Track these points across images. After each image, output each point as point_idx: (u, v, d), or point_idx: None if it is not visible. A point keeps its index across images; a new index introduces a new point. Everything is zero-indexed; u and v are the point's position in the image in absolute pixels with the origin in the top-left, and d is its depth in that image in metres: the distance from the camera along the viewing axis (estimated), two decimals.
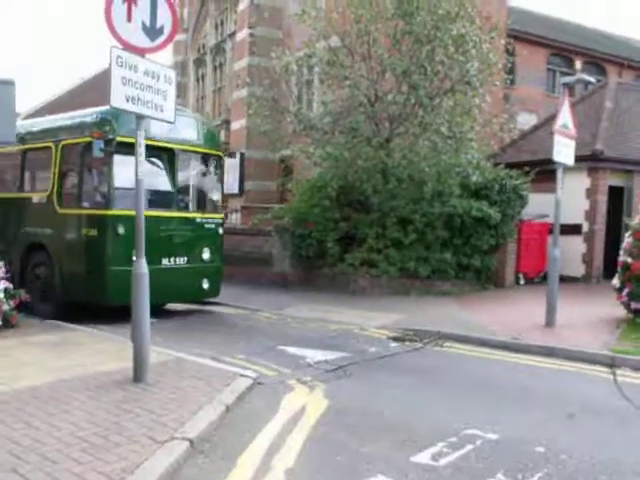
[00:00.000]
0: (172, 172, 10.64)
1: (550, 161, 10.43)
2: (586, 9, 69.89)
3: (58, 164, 10.33)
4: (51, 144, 10.49)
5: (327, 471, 4.45)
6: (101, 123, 9.66)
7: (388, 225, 14.24)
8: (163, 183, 10.60)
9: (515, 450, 4.89)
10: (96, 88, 23.53)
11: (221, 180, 12.01)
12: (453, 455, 4.73)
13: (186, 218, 10.92)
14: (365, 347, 8.71)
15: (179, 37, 31.91)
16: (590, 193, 17.48)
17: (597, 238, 17.39)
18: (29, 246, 10.77)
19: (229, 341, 8.86)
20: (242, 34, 26.06)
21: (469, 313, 11.60)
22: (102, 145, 8.92)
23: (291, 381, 6.77)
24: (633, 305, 10.25)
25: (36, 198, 10.89)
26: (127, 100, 5.93)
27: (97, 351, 7.56)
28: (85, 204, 9.95)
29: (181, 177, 10.92)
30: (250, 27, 25.34)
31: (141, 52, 6.06)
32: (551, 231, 11.64)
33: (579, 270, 17.50)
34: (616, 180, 17.77)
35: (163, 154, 10.48)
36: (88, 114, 10.43)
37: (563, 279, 12.30)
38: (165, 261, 10.36)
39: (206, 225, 11.17)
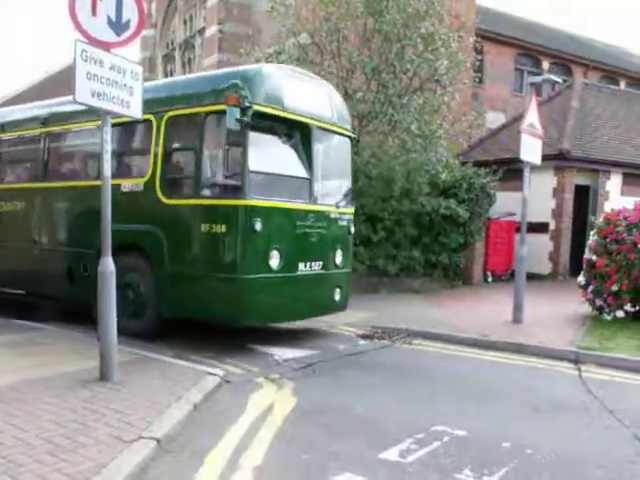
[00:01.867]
0: (308, 154, 8.44)
1: (517, 160, 10.55)
2: (553, 11, 70.77)
3: (162, 142, 8.12)
4: (150, 116, 8.04)
5: (295, 469, 4.44)
6: (235, 87, 7.50)
7: (357, 223, 14.26)
8: (297, 168, 8.40)
9: (482, 446, 4.93)
10: (63, 83, 23.15)
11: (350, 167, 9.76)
12: (421, 451, 4.75)
13: (323, 213, 8.72)
14: (334, 345, 8.71)
15: (147, 32, 31.64)
16: (557, 192, 17.75)
17: (563, 236, 17.67)
18: (114, 247, 8.75)
19: None
20: (211, 30, 25.91)
21: (438, 310, 11.68)
22: (238, 115, 7.09)
23: (259, 379, 6.74)
24: (598, 302, 10.42)
25: (127, 186, 8.47)
26: (92, 95, 5.82)
27: (64, 350, 7.43)
28: (206, 192, 7.73)
29: (315, 161, 8.59)
30: (219, 23, 25.20)
31: (106, 47, 5.96)
32: (519, 229, 11.77)
33: (546, 268, 17.76)
34: (582, 179, 18.07)
35: (296, 131, 8.40)
36: (212, 76, 8.61)
37: (530, 276, 12.45)
38: (302, 267, 8.29)
39: (339, 222, 9.12)
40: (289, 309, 7.92)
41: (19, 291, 11.42)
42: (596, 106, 20.49)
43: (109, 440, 4.51)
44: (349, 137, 9.40)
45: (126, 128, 8.79)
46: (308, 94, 8.58)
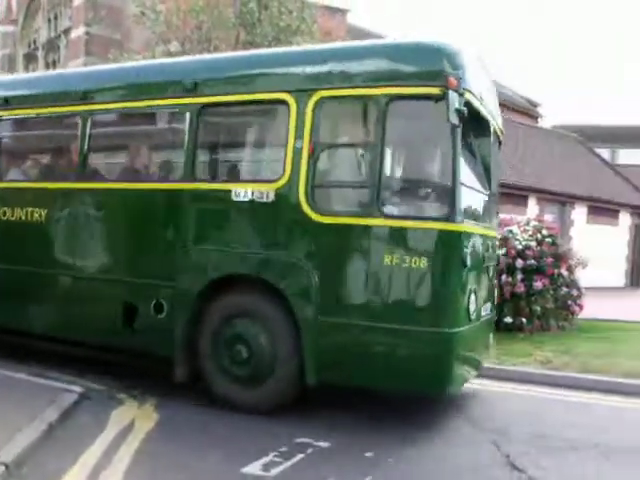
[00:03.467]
0: (487, 162, 6.51)
1: None
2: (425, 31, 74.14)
3: (309, 132, 5.67)
4: (285, 96, 5.83)
5: None
6: (440, 65, 5.33)
7: None
8: (481, 180, 6.40)
9: (346, 456, 5.04)
10: None
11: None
12: (284, 464, 4.79)
13: (494, 238, 7.02)
14: None
15: (6, 29, 29.93)
16: None
17: None
18: (215, 283, 6.06)
19: None
20: (77, 32, 24.89)
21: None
22: (457, 104, 5.19)
23: (120, 395, 6.53)
24: None
25: (244, 193, 5.92)
26: None
27: None
28: (390, 209, 5.53)
29: (494, 171, 6.73)
30: (86, 25, 24.27)
31: None
32: None
33: None
34: None
35: (481, 132, 6.28)
36: (391, 47, 5.94)
37: None
38: (483, 311, 6.31)
39: (495, 249, 7.11)
40: (474, 367, 6.28)
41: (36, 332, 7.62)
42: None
43: None
44: (500, 142, 7.17)
45: (239, 110, 6.50)
46: (486, 86, 6.39)
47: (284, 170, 5.75)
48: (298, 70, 5.92)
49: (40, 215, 7.09)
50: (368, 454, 5.07)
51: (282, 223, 5.82)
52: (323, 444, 5.26)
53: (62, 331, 7.11)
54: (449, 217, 5.30)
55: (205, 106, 6.18)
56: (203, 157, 6.64)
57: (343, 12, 25.11)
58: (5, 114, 7.63)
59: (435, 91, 5.21)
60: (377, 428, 5.79)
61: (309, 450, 5.11)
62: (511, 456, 5.14)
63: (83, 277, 6.89)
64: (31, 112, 7.53)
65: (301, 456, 4.97)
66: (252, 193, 5.86)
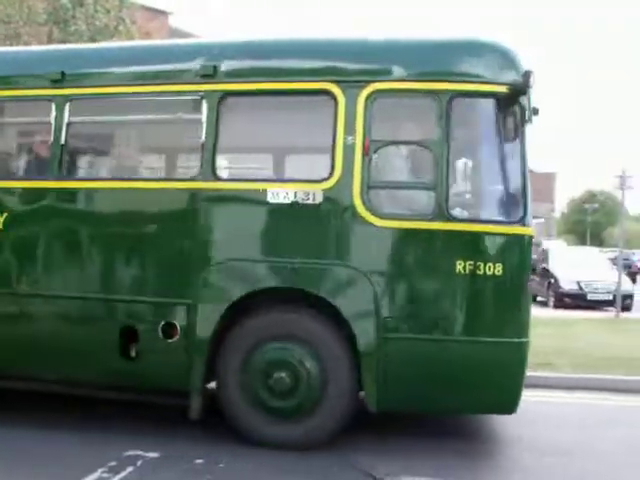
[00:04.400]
0: None
1: None
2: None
3: (361, 127, 5.03)
4: (331, 86, 5.11)
5: None
6: (505, 63, 5.08)
7: None
8: None
9: (175, 464, 4.90)
10: None
11: None
12: (113, 479, 4.57)
13: None
14: None
15: None
16: None
17: None
18: (246, 299, 5.11)
19: None
20: None
21: None
22: (526, 101, 4.95)
23: None
24: None
25: (284, 194, 5.11)
26: None
27: None
28: (459, 212, 5.13)
29: None
30: None
31: None
32: None
33: None
34: None
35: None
36: (449, 43, 5.35)
37: None
38: None
39: None
40: None
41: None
42: None
43: None
44: None
45: (269, 100, 5.56)
46: None
47: (333, 168, 5.03)
48: (346, 60, 5.28)
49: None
50: (198, 461, 4.85)
51: (333, 228, 5.06)
52: (153, 455, 4.99)
53: (30, 369, 5.65)
54: (522, 220, 4.97)
55: (227, 94, 5.27)
56: (225, 152, 5.71)
57: (165, 14, 24.63)
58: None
59: (502, 89, 4.94)
60: (210, 436, 5.50)
61: (139, 462, 4.85)
62: None
63: (60, 297, 5.44)
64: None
65: (130, 469, 4.71)
66: (295, 194, 5.05)
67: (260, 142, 6.21)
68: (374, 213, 4.96)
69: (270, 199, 5.06)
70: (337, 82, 5.09)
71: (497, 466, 5.15)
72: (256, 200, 5.14)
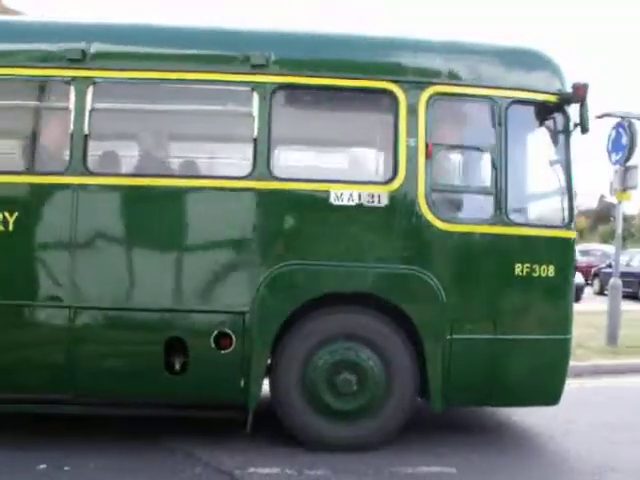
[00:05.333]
0: None
1: None
2: None
3: (423, 129, 5.00)
4: (392, 86, 5.01)
5: None
6: (552, 74, 5.30)
7: None
8: None
9: (14, 471, 4.49)
10: None
11: None
12: None
13: None
14: None
15: None
16: None
17: None
18: (310, 304, 4.94)
19: None
20: None
21: None
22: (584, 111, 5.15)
23: None
24: None
25: (348, 196, 4.96)
26: None
27: None
28: (516, 217, 5.22)
29: None
30: None
31: None
32: None
33: None
34: None
35: None
36: (505, 50, 5.44)
37: None
38: None
39: None
40: None
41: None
42: None
43: None
44: None
45: (323, 96, 5.31)
46: None
47: (396, 171, 4.98)
48: (408, 59, 5.17)
49: (9, 221, 4.86)
50: (41, 466, 4.55)
51: (397, 231, 5.02)
52: None
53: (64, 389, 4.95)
54: (569, 224, 5.26)
55: (280, 87, 5.01)
56: (279, 149, 5.47)
57: None
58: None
59: (553, 99, 5.14)
60: (68, 440, 5.09)
61: None
62: None
63: (99, 309, 4.93)
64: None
65: None
66: (359, 196, 4.94)
67: (315, 140, 5.95)
68: (438, 217, 4.99)
69: (333, 201, 4.92)
70: (398, 82, 5.01)
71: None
72: (319, 201, 4.96)
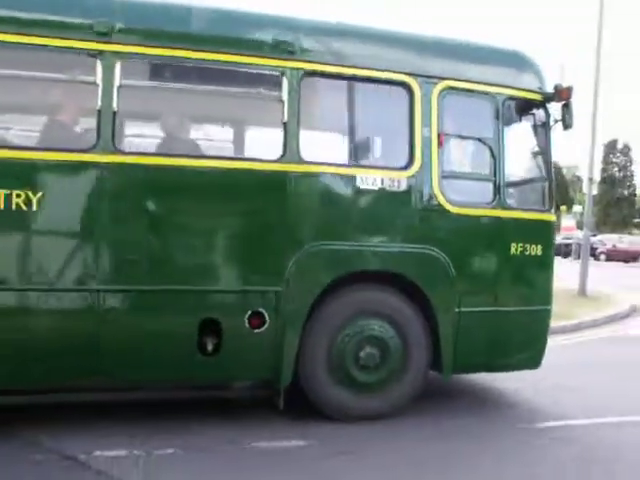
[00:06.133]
0: None
1: None
2: None
3: (435, 120, 5.46)
4: (409, 80, 5.39)
5: None
6: (533, 74, 6.00)
7: None
8: None
9: None
10: None
11: None
12: None
13: None
14: None
15: None
16: None
17: None
18: (336, 282, 5.20)
19: None
20: None
21: None
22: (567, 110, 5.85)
23: None
24: None
25: (372, 180, 5.28)
26: None
27: None
28: (511, 202, 5.80)
29: None
30: None
31: None
32: None
33: None
34: None
35: None
36: (503, 52, 6.05)
37: None
38: None
39: None
40: None
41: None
42: None
43: None
44: None
45: (345, 84, 5.53)
46: None
47: (413, 158, 5.38)
48: (424, 55, 5.63)
49: (31, 200, 4.58)
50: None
51: (414, 213, 5.41)
52: None
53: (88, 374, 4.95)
54: (550, 209, 5.97)
55: (308, 74, 5.18)
56: (308, 135, 5.46)
57: None
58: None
59: (538, 97, 5.82)
60: None
61: None
62: None
63: (132, 291, 4.86)
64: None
65: None
66: (382, 180, 5.29)
67: (337, 125, 6.07)
68: (449, 201, 5.45)
69: (359, 184, 5.23)
70: (414, 75, 5.39)
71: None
72: (345, 185, 5.25)
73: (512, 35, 75.98)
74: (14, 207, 4.47)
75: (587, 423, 5.51)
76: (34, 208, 4.52)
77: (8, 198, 4.46)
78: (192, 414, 5.32)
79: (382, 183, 5.28)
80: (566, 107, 5.75)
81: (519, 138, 6.11)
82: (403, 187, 5.33)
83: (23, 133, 5.60)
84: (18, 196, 4.47)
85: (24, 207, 4.49)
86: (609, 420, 5.59)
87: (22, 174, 4.57)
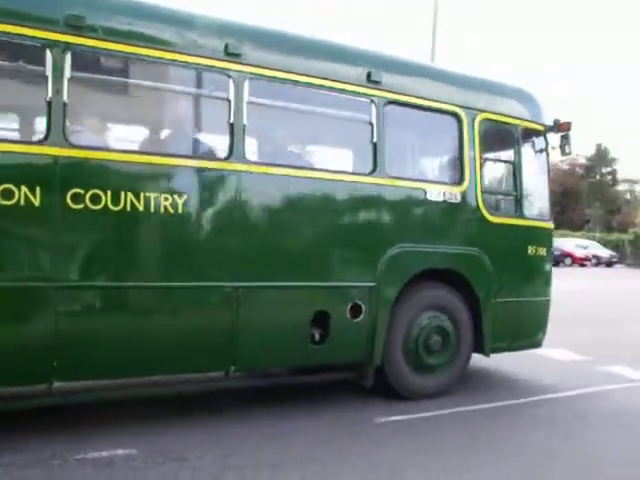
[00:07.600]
0: None
1: None
2: None
3: (478, 145, 6.77)
4: (458, 110, 6.68)
5: None
6: (535, 111, 7.51)
7: None
8: None
9: None
10: None
11: None
12: None
13: None
14: None
15: None
16: None
17: None
18: (415, 276, 6.34)
19: None
20: None
21: None
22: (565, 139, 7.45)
23: None
24: None
25: (438, 193, 6.48)
26: None
27: None
28: (526, 213, 7.26)
29: None
30: None
31: None
32: None
33: None
34: None
35: None
36: (516, 90, 7.53)
37: None
38: None
39: None
40: None
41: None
42: None
43: None
44: None
45: (413, 113, 6.57)
46: None
47: (463, 175, 6.67)
48: (468, 90, 6.90)
49: (175, 203, 5.17)
50: None
51: (466, 222, 6.67)
52: None
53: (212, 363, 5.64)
54: (551, 219, 7.63)
55: (390, 102, 6.22)
56: (390, 153, 6.32)
57: None
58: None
59: (542, 128, 7.35)
60: None
61: None
62: None
63: (262, 288, 5.57)
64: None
65: None
66: (444, 194, 6.51)
67: (406, 146, 7.25)
68: (489, 212, 6.84)
69: (429, 196, 6.43)
70: (462, 107, 6.69)
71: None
72: (419, 197, 6.39)
73: None
74: (162, 210, 5.10)
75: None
76: (179, 211, 5.17)
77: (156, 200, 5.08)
78: None
79: (444, 196, 6.52)
80: (565, 138, 7.31)
81: (528, 161, 7.47)
82: (458, 199, 6.60)
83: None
84: (166, 199, 5.12)
85: (171, 210, 5.14)
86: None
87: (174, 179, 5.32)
